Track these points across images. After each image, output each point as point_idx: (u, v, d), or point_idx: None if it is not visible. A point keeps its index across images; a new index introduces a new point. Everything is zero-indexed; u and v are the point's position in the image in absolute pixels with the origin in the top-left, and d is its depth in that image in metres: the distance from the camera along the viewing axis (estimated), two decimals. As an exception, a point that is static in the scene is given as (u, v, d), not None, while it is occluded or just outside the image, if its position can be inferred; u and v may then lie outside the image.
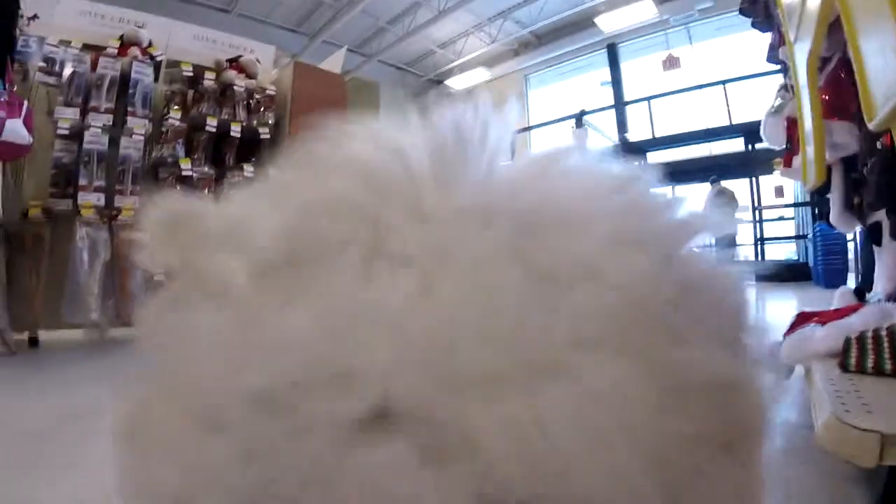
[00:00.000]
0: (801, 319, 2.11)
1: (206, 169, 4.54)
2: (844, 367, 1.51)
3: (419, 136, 0.35)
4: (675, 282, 0.31)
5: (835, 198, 2.30)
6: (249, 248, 0.32)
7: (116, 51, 4.32)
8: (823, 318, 1.99)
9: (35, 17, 4.14)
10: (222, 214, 0.34)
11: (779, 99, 3.07)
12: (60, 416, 2.16)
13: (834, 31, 1.82)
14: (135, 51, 4.36)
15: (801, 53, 2.02)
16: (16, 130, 3.05)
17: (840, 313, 1.97)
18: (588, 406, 0.27)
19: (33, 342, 3.86)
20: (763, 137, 3.23)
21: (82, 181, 3.98)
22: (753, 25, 3.33)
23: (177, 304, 0.34)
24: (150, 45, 4.55)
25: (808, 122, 2.04)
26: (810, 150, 2.05)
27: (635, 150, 11.97)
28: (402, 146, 0.34)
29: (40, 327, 3.90)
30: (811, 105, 1.94)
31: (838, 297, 2.45)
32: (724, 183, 10.56)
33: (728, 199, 9.92)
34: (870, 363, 1.46)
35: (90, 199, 3.97)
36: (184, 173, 4.39)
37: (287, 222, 0.33)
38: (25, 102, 3.22)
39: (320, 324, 0.29)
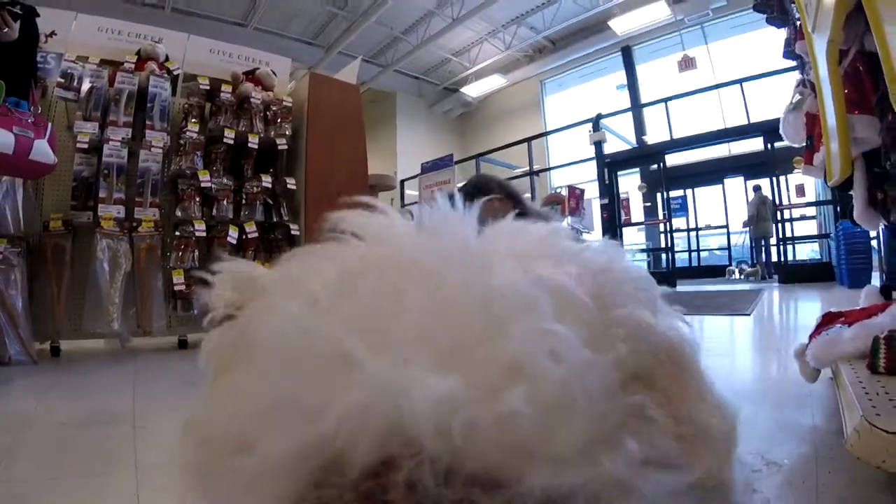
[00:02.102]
0: (827, 320, 2.06)
1: (224, 180, 4.58)
2: (873, 369, 1.47)
3: (415, 219, 0.47)
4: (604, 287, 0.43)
5: (857, 194, 2.24)
6: (296, 293, 0.41)
7: (133, 66, 4.38)
8: (850, 318, 1.94)
9: (53, 34, 4.21)
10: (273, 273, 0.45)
11: (797, 95, 3.01)
12: (82, 424, 2.17)
13: (850, 22, 1.79)
14: (152, 65, 4.42)
15: (820, 44, 1.98)
16: (43, 150, 3.12)
17: (867, 312, 1.92)
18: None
19: (55, 351, 3.92)
20: (782, 135, 3.17)
21: (102, 194, 4.04)
22: (768, 21, 3.28)
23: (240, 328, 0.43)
24: (166, 59, 4.61)
25: (830, 116, 1.99)
26: (834, 144, 2.01)
27: (654, 152, 11.88)
28: (403, 226, 0.45)
29: (62, 337, 3.96)
30: (833, 97, 1.90)
31: (865, 297, 2.39)
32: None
33: (769, 206, 10.53)
34: (900, 364, 1.42)
35: (110, 212, 4.02)
36: (202, 185, 4.43)
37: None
38: (49, 124, 3.28)
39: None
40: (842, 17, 1.68)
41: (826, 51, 1.86)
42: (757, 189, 11.17)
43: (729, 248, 13.38)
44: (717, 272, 12.70)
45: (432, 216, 0.45)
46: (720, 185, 13.60)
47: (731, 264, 12.57)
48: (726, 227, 13.35)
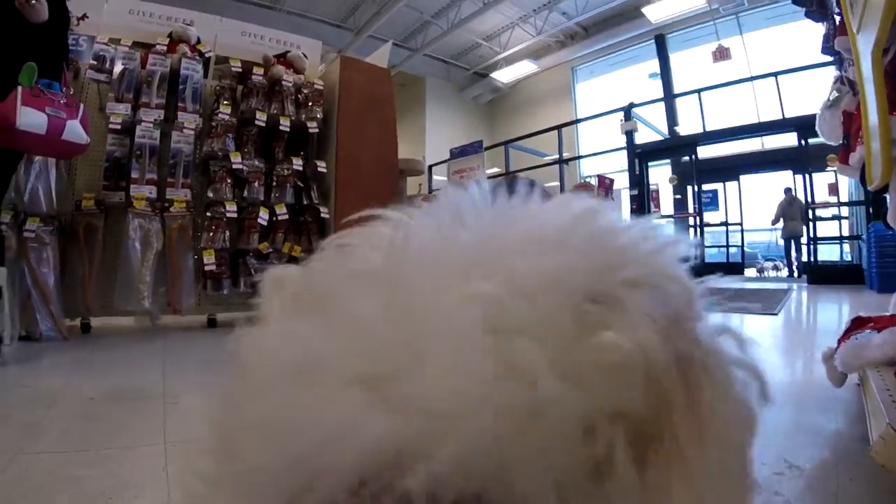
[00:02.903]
0: (857, 325, 2.03)
1: (255, 162, 4.62)
2: (902, 377, 1.45)
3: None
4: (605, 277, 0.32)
5: (892, 197, 2.20)
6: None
7: (166, 48, 4.44)
8: (880, 323, 1.91)
9: (85, 16, 4.28)
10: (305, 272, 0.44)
11: (834, 92, 2.94)
12: (111, 399, 2.23)
13: (893, 21, 1.74)
14: (184, 48, 4.47)
15: (865, 44, 1.93)
16: (75, 131, 3.18)
17: (897, 318, 1.89)
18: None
19: (86, 328, 4.02)
20: (818, 132, 3.10)
21: (134, 174, 4.10)
22: (807, 15, 3.21)
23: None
24: (198, 42, 4.67)
25: (872, 116, 1.95)
26: (875, 145, 1.96)
27: (686, 143, 11.71)
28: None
29: (92, 314, 4.06)
30: (877, 98, 1.85)
31: (895, 302, 2.35)
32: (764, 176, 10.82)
33: (798, 208, 10.85)
34: (929, 372, 1.39)
35: (142, 192, 4.08)
36: (234, 167, 4.48)
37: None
38: (82, 105, 3.34)
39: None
40: (890, 19, 1.63)
41: (871, 51, 1.82)
42: (788, 191, 11.44)
43: (742, 245, 13.18)
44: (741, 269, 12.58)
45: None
46: (752, 180, 13.39)
47: (743, 262, 12.51)
48: (740, 224, 13.13)
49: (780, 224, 11.70)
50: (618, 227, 0.36)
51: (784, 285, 8.86)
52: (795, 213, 11.15)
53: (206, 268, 4.32)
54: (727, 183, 13.40)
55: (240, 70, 4.76)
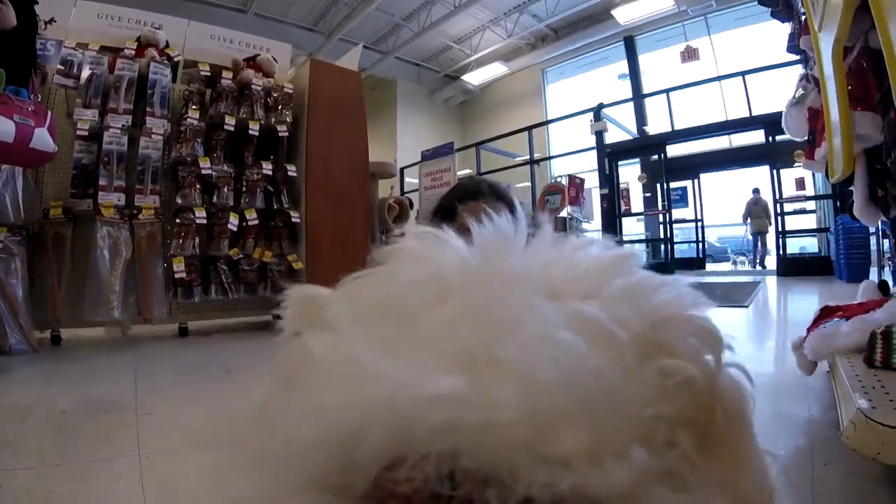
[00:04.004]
0: (825, 314, 2.08)
1: (225, 167, 4.58)
2: (870, 363, 1.48)
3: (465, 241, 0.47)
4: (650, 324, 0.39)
5: (858, 190, 2.25)
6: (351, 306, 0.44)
7: (134, 52, 4.36)
8: (848, 312, 1.95)
9: (52, 20, 4.19)
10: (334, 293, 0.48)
11: (800, 89, 3.01)
12: (84, 412, 2.19)
13: (856, 19, 1.78)
14: (152, 52, 4.40)
15: (826, 42, 1.98)
16: (43, 139, 3.11)
17: (865, 307, 1.93)
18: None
19: (56, 340, 3.93)
20: (784, 129, 3.17)
21: (102, 181, 4.03)
22: (773, 16, 3.28)
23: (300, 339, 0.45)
24: (167, 45, 4.59)
25: (833, 112, 1.99)
26: (837, 140, 2.01)
27: (655, 142, 11.87)
28: (454, 246, 0.46)
29: (62, 325, 3.97)
30: (838, 95, 1.90)
31: (862, 292, 2.41)
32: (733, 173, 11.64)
33: (762, 207, 12.03)
34: (896, 359, 1.43)
35: (111, 199, 4.02)
36: (203, 172, 4.42)
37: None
38: (49, 112, 3.27)
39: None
40: (850, 17, 1.67)
41: (832, 50, 1.86)
42: (755, 191, 12.44)
43: (697, 240, 13.34)
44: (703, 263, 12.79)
45: (480, 240, 0.46)
46: (721, 177, 13.63)
47: (703, 256, 12.93)
48: (696, 220, 13.29)
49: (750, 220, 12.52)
50: (650, 284, 0.44)
51: (752, 278, 9.01)
52: (760, 212, 12.21)
53: (177, 275, 4.26)
54: (696, 180, 13.60)
55: (208, 74, 4.71)
